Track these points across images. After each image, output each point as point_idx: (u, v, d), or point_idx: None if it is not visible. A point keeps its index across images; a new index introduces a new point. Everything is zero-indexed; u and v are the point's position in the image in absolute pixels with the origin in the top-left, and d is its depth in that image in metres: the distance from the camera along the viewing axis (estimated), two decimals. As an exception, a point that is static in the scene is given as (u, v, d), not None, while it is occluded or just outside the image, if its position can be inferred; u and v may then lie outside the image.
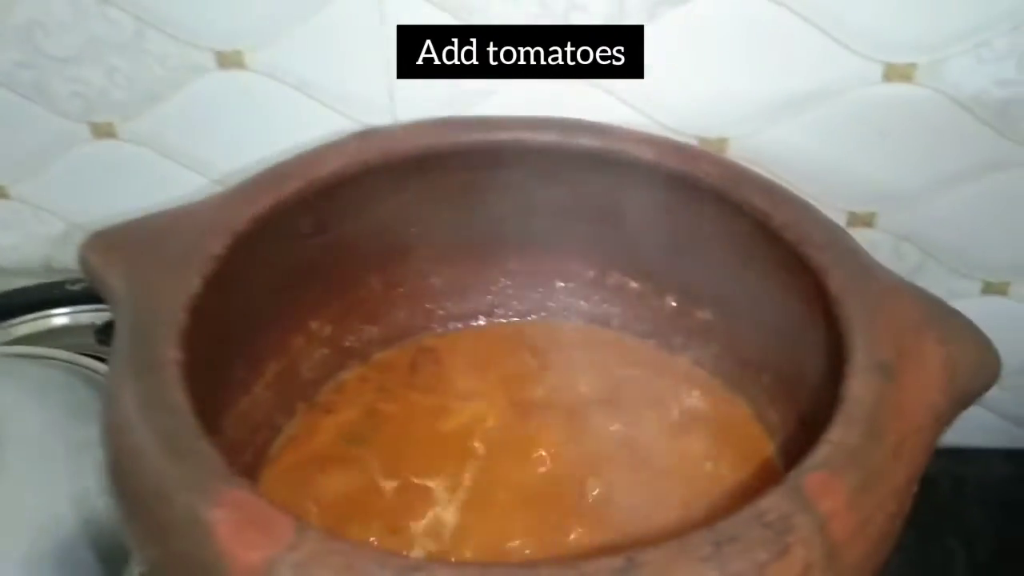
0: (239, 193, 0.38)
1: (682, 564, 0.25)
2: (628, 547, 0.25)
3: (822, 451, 0.28)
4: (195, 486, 0.26)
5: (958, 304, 0.37)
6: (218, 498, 0.25)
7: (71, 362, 0.48)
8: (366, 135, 0.42)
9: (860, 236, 0.46)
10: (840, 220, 0.50)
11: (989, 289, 0.53)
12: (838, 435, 0.29)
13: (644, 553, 0.25)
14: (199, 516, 0.25)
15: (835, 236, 0.38)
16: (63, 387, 0.45)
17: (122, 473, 0.28)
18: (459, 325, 0.49)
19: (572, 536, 0.38)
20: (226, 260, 0.35)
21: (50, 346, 0.49)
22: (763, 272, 0.40)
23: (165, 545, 0.26)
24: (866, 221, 0.51)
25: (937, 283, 0.51)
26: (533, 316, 0.50)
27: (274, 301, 0.42)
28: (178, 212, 0.38)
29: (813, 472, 0.28)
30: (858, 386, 0.30)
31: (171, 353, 0.30)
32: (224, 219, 0.36)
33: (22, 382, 0.45)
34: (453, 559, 0.38)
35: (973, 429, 0.57)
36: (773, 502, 0.26)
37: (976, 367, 0.34)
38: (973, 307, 0.50)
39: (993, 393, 0.36)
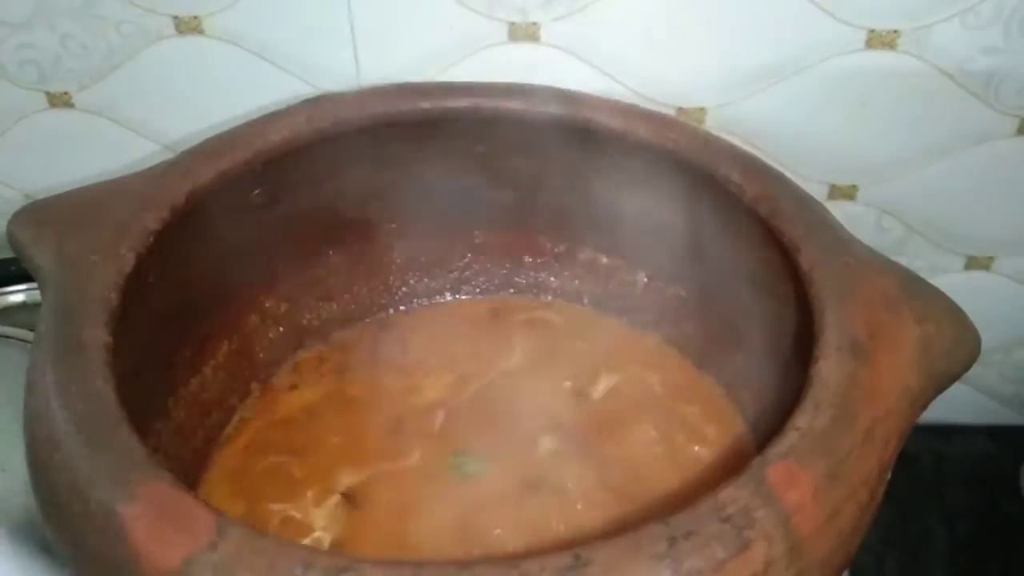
0: (180, 164, 0.36)
1: (633, 562, 0.23)
2: (577, 542, 0.24)
3: (787, 438, 0.27)
4: (111, 478, 0.24)
5: (941, 279, 0.36)
6: (134, 491, 0.24)
7: (27, 341, 0.46)
8: (317, 102, 0.41)
9: (841, 209, 0.45)
10: (821, 193, 0.49)
11: (973, 264, 0.52)
12: (805, 421, 0.27)
13: (592, 550, 0.23)
14: (113, 511, 0.23)
15: (809, 209, 0.36)
16: (18, 367, 0.43)
17: (39, 464, 0.26)
18: (423, 302, 0.48)
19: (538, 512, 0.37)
20: (164, 235, 0.34)
21: (5, 324, 0.48)
22: (736, 247, 0.39)
23: (80, 543, 0.24)
24: (847, 194, 0.49)
25: (920, 258, 0.51)
26: (501, 293, 0.48)
27: (224, 277, 0.40)
28: (114, 184, 0.36)
29: (777, 461, 0.26)
30: (828, 368, 0.29)
31: (97, 335, 0.28)
32: (162, 192, 0.35)
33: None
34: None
35: (955, 406, 0.56)
36: (733, 494, 0.25)
37: (954, 347, 0.33)
38: (956, 282, 0.49)
39: (976, 370, 0.35)
